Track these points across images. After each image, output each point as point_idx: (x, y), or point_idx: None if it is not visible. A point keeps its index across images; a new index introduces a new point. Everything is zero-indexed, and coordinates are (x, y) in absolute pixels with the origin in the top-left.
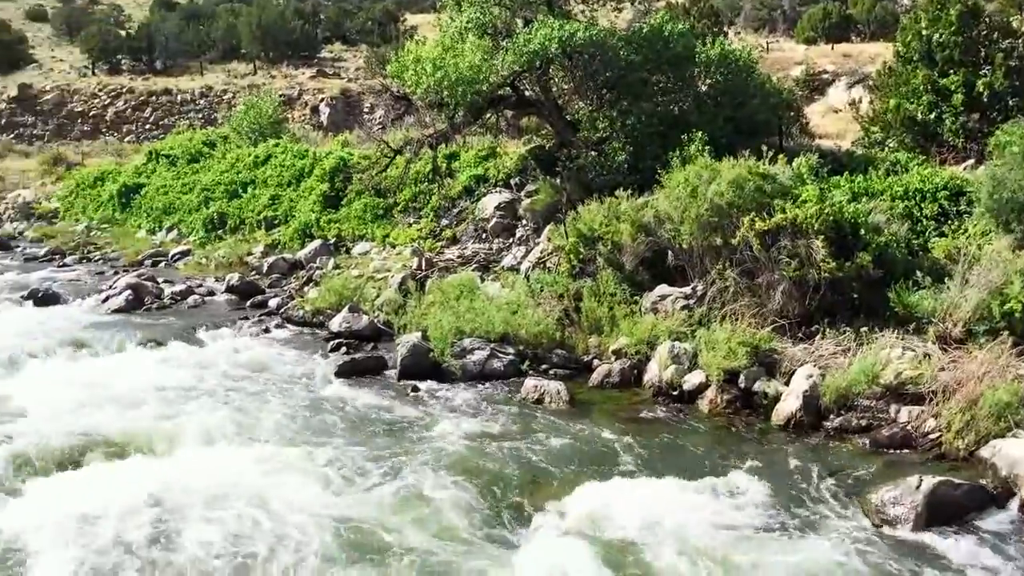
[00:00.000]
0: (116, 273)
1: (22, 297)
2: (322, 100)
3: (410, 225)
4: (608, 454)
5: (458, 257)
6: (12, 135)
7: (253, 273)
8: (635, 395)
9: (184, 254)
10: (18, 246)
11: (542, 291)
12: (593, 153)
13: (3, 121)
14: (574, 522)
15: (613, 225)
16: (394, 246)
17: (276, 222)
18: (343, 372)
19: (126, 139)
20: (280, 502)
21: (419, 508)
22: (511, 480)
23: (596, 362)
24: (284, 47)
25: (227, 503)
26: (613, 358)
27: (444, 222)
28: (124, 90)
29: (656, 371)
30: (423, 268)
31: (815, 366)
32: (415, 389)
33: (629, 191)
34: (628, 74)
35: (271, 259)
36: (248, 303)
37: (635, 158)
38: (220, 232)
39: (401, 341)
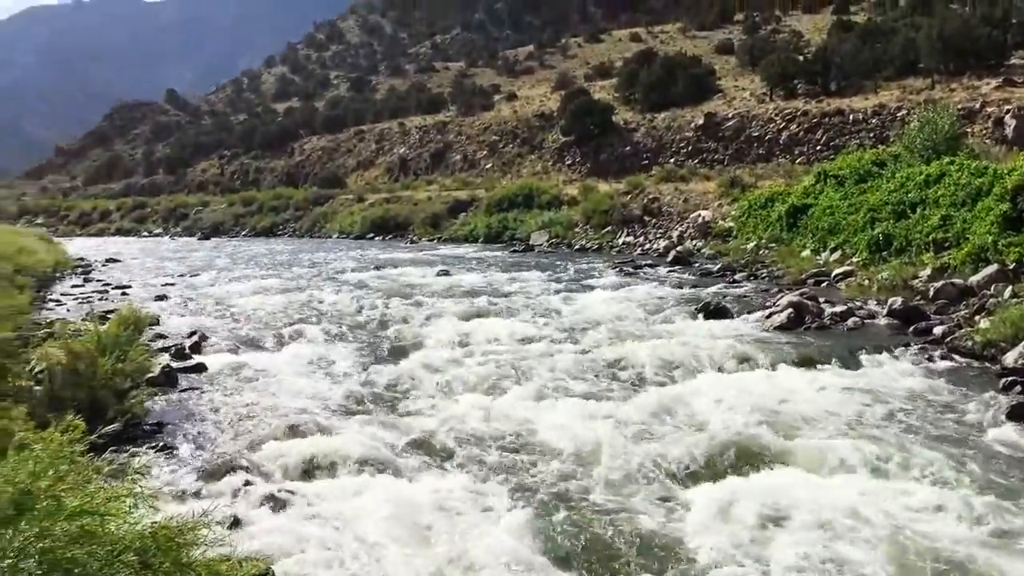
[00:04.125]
0: (780, 291)
1: (695, 310)
2: (1007, 112)
3: None
4: None
5: None
6: (697, 160)
7: (917, 298)
8: None
9: (846, 275)
10: (695, 262)
11: None
12: None
13: (690, 148)
14: None
15: None
16: None
17: (946, 245)
18: (1015, 415)
19: (797, 161)
20: (924, 546)
21: None
22: None
23: None
24: (967, 57)
25: (861, 531)
26: None
27: None
28: (798, 113)
29: None
30: None
31: None
32: None
33: None
34: None
35: (938, 284)
36: (910, 329)
37: None
38: (884, 254)
39: None
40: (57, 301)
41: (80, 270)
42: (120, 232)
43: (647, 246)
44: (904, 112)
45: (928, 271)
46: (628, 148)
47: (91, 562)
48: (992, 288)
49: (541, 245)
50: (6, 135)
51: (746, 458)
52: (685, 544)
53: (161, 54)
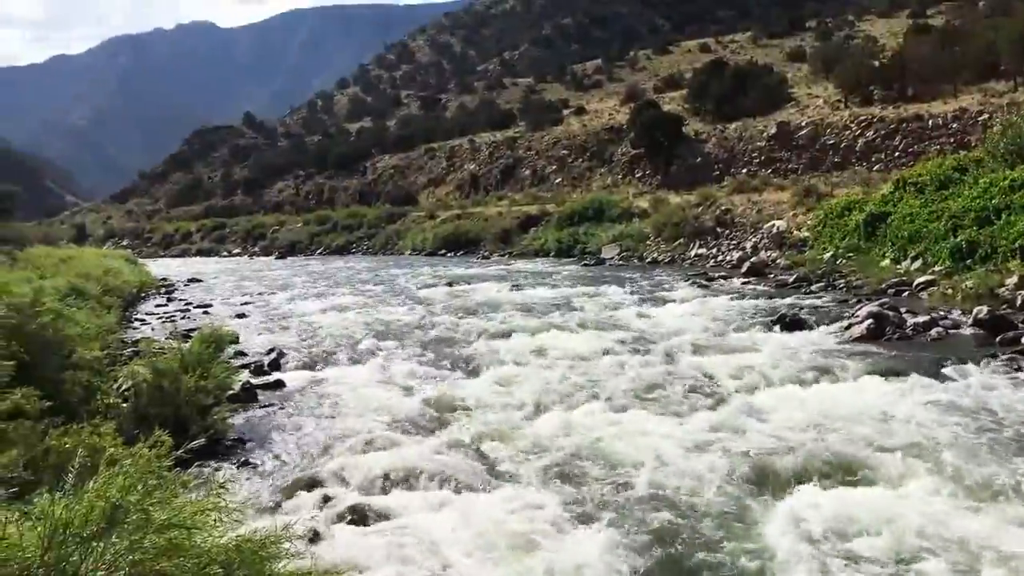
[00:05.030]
0: (859, 301)
1: (771, 321)
2: None
3: None
4: None
5: None
6: (770, 170)
7: (1004, 306)
8: None
9: (928, 284)
10: (770, 273)
11: None
12: None
13: (763, 157)
14: None
15: None
16: None
17: None
18: None
19: (874, 168)
20: (1012, 567)
21: None
22: None
23: None
24: None
25: (942, 551)
26: None
27: None
28: (874, 120)
29: None
30: None
31: None
32: None
33: None
34: None
35: None
36: (997, 339)
37: None
38: (968, 262)
39: None
40: (142, 320)
41: (163, 290)
42: (201, 253)
43: (720, 258)
44: (986, 116)
45: (1015, 279)
46: (699, 159)
47: (179, 574)
48: None
49: (612, 259)
50: (94, 161)
51: (825, 473)
52: (755, 557)
53: (238, 79)
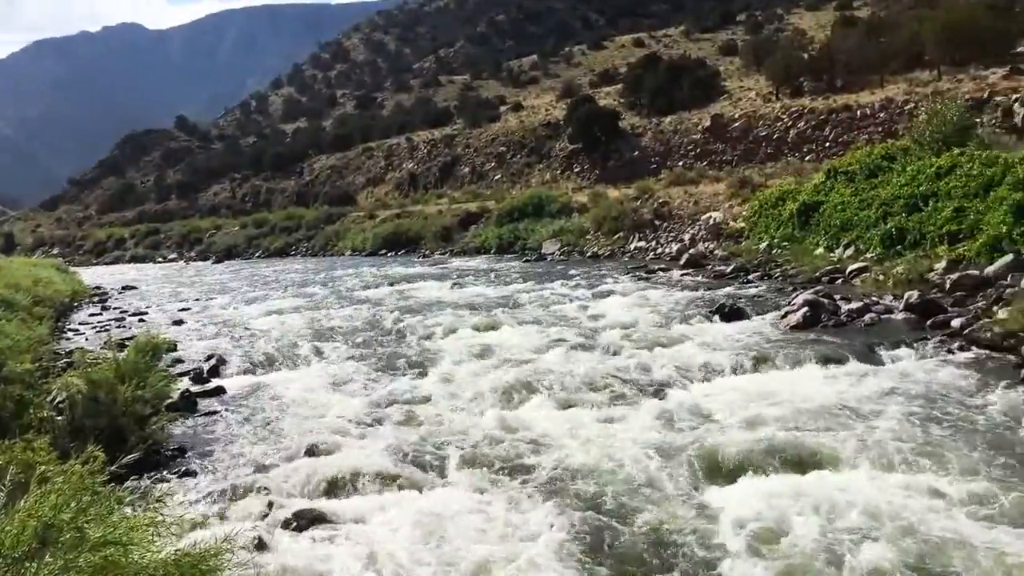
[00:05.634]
0: (795, 290)
1: (711, 312)
2: (1016, 100)
3: None
4: None
5: None
6: (706, 162)
7: (934, 291)
8: None
9: (861, 271)
10: (708, 264)
11: None
12: None
13: (698, 150)
14: None
15: None
16: None
17: (960, 236)
18: None
19: (806, 158)
20: (948, 539)
21: None
22: None
23: None
24: (973, 47)
25: (884, 527)
26: None
27: None
28: (805, 111)
29: None
30: None
31: None
32: None
33: None
34: None
35: (954, 276)
36: (928, 323)
37: None
38: (898, 248)
39: None
40: (75, 330)
41: (97, 298)
42: (135, 259)
43: (659, 250)
44: (912, 105)
45: (943, 263)
46: (636, 153)
47: None
48: (1009, 278)
49: (553, 254)
50: (23, 168)
51: (766, 459)
52: (704, 544)
53: (172, 81)
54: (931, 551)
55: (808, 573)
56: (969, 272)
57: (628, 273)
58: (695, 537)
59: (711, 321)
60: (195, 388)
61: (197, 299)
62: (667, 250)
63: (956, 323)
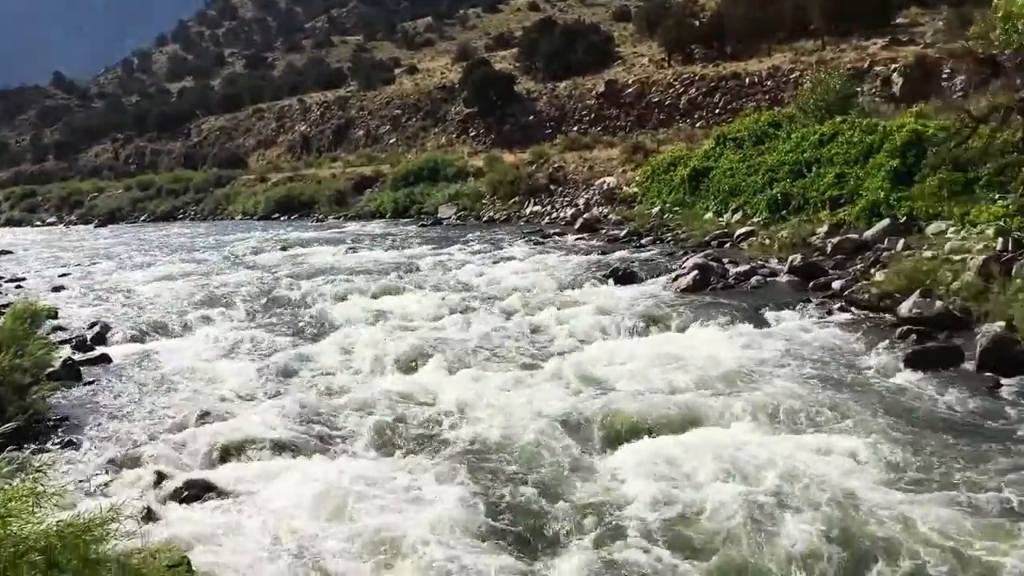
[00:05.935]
0: (685, 254)
1: (605, 276)
2: (894, 70)
3: (994, 202)
4: None
5: None
6: (600, 127)
7: (816, 254)
8: None
9: (748, 235)
10: (602, 228)
11: None
12: None
13: (593, 115)
14: None
15: None
16: (975, 225)
17: (841, 201)
18: (912, 362)
19: (697, 125)
20: (834, 489)
21: (1004, 529)
22: None
23: None
24: (855, 18)
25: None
26: None
27: None
28: (696, 78)
29: None
30: (1010, 250)
31: None
32: (996, 386)
33: None
34: None
35: (835, 240)
36: (810, 285)
37: None
38: (784, 213)
39: (981, 331)
40: None
41: None
42: (10, 223)
43: (555, 215)
44: (797, 74)
45: (825, 228)
46: (531, 117)
47: None
48: (886, 241)
49: (449, 218)
50: None
51: (659, 418)
52: (602, 504)
53: (45, 38)
54: (808, 499)
55: (718, 535)
56: (849, 236)
57: (524, 237)
58: (588, 496)
59: (605, 284)
60: (78, 356)
61: (79, 264)
62: (562, 214)
63: (836, 285)
